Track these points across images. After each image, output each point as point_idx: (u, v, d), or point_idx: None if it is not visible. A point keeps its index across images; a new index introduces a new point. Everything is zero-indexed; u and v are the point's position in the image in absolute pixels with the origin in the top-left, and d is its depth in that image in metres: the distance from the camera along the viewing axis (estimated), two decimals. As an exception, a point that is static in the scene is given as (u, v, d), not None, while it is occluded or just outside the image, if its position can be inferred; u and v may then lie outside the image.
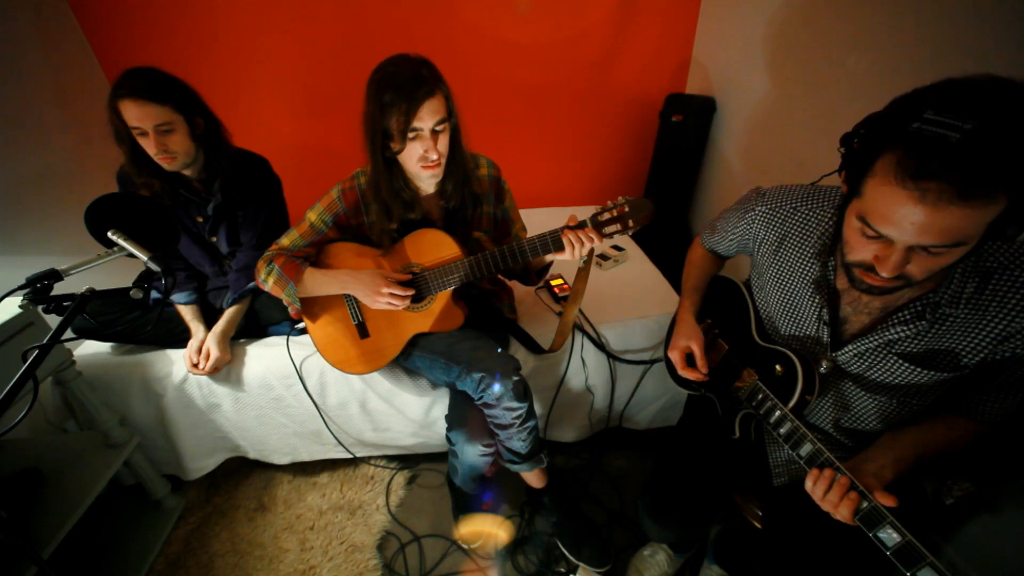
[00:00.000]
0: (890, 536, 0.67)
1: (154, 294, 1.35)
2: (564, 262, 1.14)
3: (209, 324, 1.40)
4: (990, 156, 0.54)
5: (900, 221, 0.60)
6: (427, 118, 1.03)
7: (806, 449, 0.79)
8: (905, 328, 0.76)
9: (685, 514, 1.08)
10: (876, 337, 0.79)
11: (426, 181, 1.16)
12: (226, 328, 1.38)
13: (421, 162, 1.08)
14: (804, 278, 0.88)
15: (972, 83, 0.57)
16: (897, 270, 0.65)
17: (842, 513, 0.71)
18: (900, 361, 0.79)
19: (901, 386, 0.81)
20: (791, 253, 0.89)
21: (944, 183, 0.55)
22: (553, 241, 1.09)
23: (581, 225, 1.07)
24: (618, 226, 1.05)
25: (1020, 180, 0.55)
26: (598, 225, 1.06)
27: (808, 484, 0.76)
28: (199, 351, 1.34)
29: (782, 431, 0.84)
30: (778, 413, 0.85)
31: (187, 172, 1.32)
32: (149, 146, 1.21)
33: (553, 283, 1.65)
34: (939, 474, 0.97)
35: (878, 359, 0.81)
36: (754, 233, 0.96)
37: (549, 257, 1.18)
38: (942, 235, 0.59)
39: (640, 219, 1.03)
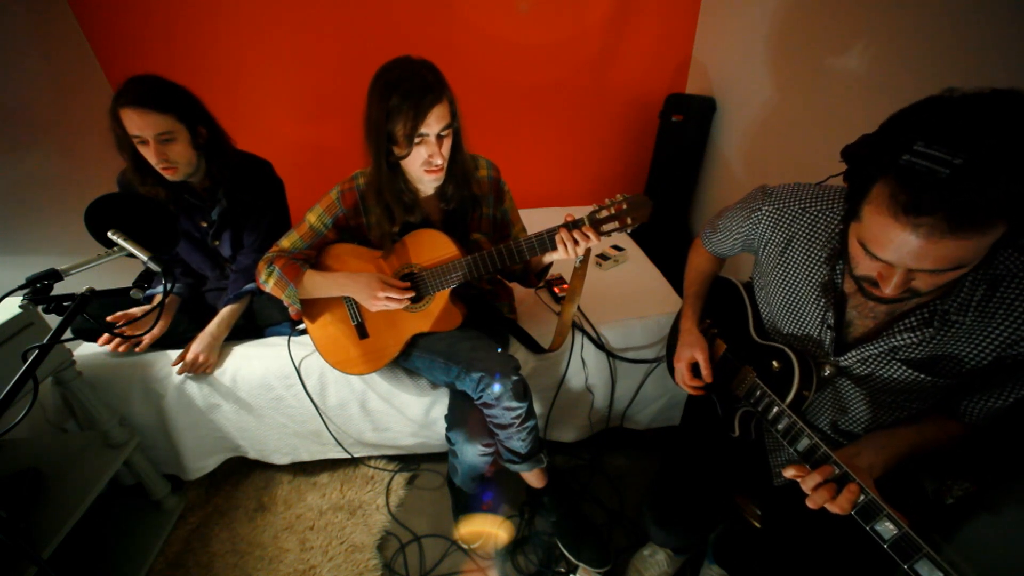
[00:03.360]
0: (887, 529, 0.67)
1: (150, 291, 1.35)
2: (565, 261, 1.13)
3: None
4: (980, 191, 0.54)
5: (896, 250, 0.62)
6: (433, 124, 1.03)
7: (803, 444, 0.79)
8: (911, 335, 0.75)
9: (692, 520, 1.08)
10: (881, 343, 0.79)
11: (427, 184, 1.16)
12: (215, 330, 1.37)
13: (425, 166, 1.08)
14: (810, 281, 0.87)
15: (962, 106, 0.56)
16: (899, 289, 0.65)
17: (840, 505, 0.70)
18: (903, 367, 0.79)
19: (901, 390, 0.81)
20: (798, 255, 0.88)
21: (936, 219, 0.56)
22: (550, 240, 1.08)
23: (578, 224, 1.05)
24: (616, 224, 1.04)
25: (1015, 207, 0.55)
26: (596, 223, 1.05)
27: (790, 472, 0.75)
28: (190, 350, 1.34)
29: (780, 427, 0.84)
30: (776, 409, 0.85)
31: (191, 179, 1.32)
32: (150, 155, 1.20)
33: (553, 284, 1.65)
34: (939, 474, 0.97)
35: (881, 364, 0.81)
36: (760, 233, 0.94)
37: (547, 258, 1.17)
38: (938, 262, 0.60)
39: (639, 217, 1.02)
